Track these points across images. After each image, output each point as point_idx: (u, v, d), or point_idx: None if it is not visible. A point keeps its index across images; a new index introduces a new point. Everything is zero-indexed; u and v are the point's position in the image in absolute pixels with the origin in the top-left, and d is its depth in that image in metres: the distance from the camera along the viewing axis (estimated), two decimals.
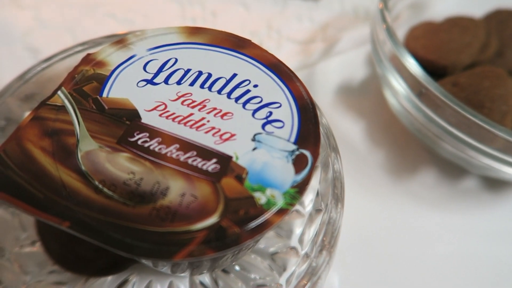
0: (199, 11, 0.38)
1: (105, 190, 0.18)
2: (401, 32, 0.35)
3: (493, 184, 0.32)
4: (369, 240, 0.29)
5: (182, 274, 0.27)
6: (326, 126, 0.24)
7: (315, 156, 0.19)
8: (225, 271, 0.27)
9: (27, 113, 0.25)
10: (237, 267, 0.27)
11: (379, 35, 0.30)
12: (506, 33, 0.32)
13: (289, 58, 0.36)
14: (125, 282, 0.27)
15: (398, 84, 0.29)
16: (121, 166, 0.18)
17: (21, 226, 0.26)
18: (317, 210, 0.24)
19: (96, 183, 0.18)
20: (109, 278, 0.26)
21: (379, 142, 0.33)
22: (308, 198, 0.25)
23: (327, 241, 0.21)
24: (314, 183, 0.24)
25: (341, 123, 0.33)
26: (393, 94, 0.30)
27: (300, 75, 0.32)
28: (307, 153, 0.19)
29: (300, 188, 0.18)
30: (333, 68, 0.36)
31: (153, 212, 0.17)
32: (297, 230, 0.26)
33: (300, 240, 0.25)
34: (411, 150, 0.33)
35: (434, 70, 0.31)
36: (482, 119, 0.25)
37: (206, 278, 0.27)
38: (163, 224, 0.17)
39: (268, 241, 0.26)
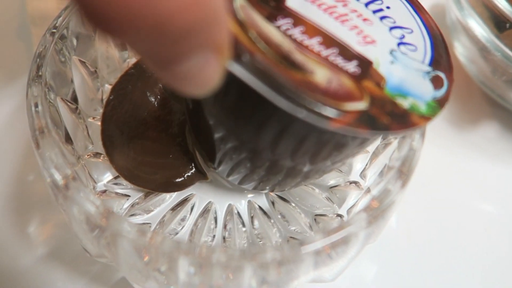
0: None
1: (261, 43, 0.18)
2: None
3: None
4: (428, 186, 0.30)
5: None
6: None
7: (450, 80, 0.20)
8: (283, 199, 0.28)
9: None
10: (296, 197, 0.28)
11: None
12: None
13: None
14: (184, 200, 0.27)
15: (478, 26, 0.29)
16: (273, 32, 0.18)
17: (88, 138, 0.26)
18: (385, 144, 0.25)
19: (252, 34, 0.18)
20: (169, 195, 0.27)
21: None
22: None
23: (405, 169, 0.21)
24: None
25: None
26: (467, 40, 0.31)
27: None
28: (442, 75, 0.20)
29: (441, 102, 0.19)
30: None
31: (305, 81, 0.17)
32: (358, 166, 0.27)
33: (363, 175, 0.26)
34: (474, 103, 0.34)
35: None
36: None
37: (265, 203, 0.28)
38: (316, 93, 0.17)
39: (327, 175, 0.27)
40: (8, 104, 0.31)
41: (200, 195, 0.28)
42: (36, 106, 0.21)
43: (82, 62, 0.25)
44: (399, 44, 0.21)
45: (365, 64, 0.19)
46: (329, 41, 0.19)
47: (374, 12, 0.21)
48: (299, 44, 0.19)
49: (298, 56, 0.18)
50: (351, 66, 0.19)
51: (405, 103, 0.19)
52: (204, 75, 0.14)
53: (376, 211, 0.20)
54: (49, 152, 0.20)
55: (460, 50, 0.33)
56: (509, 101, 0.32)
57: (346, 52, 0.19)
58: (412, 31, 0.21)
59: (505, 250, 0.29)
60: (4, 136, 0.30)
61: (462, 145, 0.32)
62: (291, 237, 0.26)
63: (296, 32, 0.19)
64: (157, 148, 0.27)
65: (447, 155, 0.32)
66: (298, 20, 0.19)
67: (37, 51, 0.23)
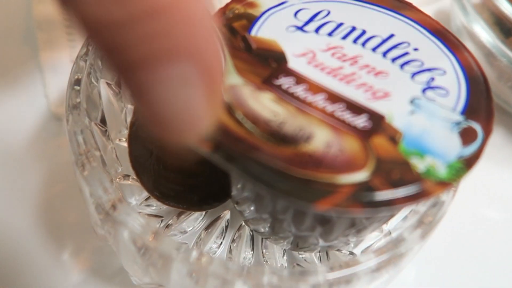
0: None
1: (247, 123, 0.17)
2: None
3: None
4: None
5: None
6: None
7: (488, 131, 0.18)
8: None
9: None
10: None
11: None
12: None
13: None
14: (217, 218, 0.27)
15: (483, 31, 0.29)
16: (264, 105, 0.18)
17: (117, 160, 0.26)
18: None
19: (239, 116, 0.17)
20: (201, 214, 0.27)
21: None
22: None
23: (427, 219, 0.19)
24: None
25: None
26: (473, 46, 0.31)
27: None
28: (476, 126, 0.18)
29: (469, 162, 0.17)
30: None
31: (295, 155, 0.17)
32: None
33: None
34: None
35: None
36: None
37: None
38: (305, 169, 0.16)
39: None
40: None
41: (234, 213, 0.27)
42: (77, 133, 0.21)
43: (108, 84, 0.26)
44: (425, 89, 0.19)
45: (376, 118, 0.18)
46: (334, 97, 0.18)
47: (394, 59, 0.20)
48: (302, 101, 0.18)
49: (291, 127, 0.17)
50: (361, 121, 0.18)
51: (420, 165, 0.17)
52: (189, 107, 0.11)
53: (387, 257, 0.18)
54: (96, 175, 0.20)
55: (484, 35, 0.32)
56: None
57: (354, 107, 0.18)
58: (444, 72, 0.19)
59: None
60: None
61: None
62: (297, 264, 0.25)
63: (299, 90, 0.18)
64: (187, 167, 0.27)
65: None
66: (300, 79, 0.19)
67: (72, 78, 0.23)
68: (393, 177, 0.16)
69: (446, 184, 0.16)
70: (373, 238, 0.24)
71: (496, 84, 0.30)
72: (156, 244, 0.18)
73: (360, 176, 0.16)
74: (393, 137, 0.17)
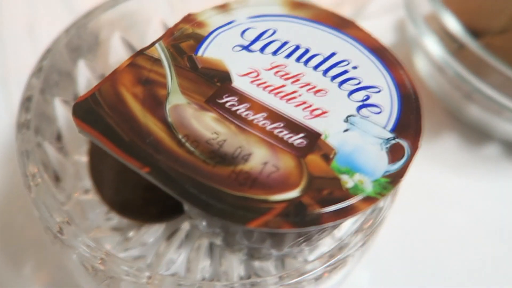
0: None
1: (188, 144, 0.18)
2: None
3: None
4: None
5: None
6: None
7: (414, 148, 0.18)
8: None
9: (79, 63, 0.26)
10: None
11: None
12: None
13: None
14: (177, 230, 0.27)
15: (433, 44, 0.30)
16: (206, 124, 0.18)
17: (77, 175, 0.27)
18: None
19: (180, 136, 0.18)
20: (162, 226, 0.27)
21: None
22: None
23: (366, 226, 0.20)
24: None
25: None
26: (425, 56, 0.31)
27: None
28: (404, 143, 0.18)
29: (394, 179, 0.18)
30: None
31: (232, 175, 0.17)
32: None
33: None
34: (435, 115, 0.34)
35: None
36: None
37: None
38: (241, 189, 0.17)
39: None
40: None
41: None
42: (27, 152, 0.21)
43: (65, 101, 0.26)
44: (360, 107, 0.19)
45: (312, 136, 0.18)
46: (275, 116, 0.19)
47: (333, 78, 0.20)
48: (244, 120, 0.18)
49: (230, 146, 0.18)
50: (298, 139, 0.18)
51: (350, 182, 0.17)
52: None
53: (333, 265, 0.19)
54: (42, 197, 0.20)
55: (420, 65, 0.33)
56: (466, 115, 0.32)
57: (292, 126, 0.19)
58: (379, 90, 0.20)
59: (477, 258, 0.29)
60: None
61: (423, 156, 0.32)
62: (255, 273, 0.26)
63: (241, 109, 0.19)
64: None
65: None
66: (243, 98, 0.19)
67: (24, 96, 0.23)
68: (323, 194, 0.17)
69: (372, 199, 0.17)
70: (326, 244, 0.25)
71: (448, 93, 0.31)
72: (105, 267, 0.18)
73: (292, 194, 0.17)
74: (327, 154, 0.18)
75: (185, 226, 0.27)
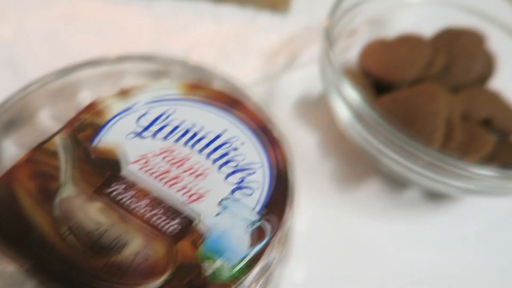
0: (171, 24, 0.40)
1: (70, 237, 0.18)
2: (359, 45, 0.36)
3: (433, 195, 0.33)
4: (316, 245, 0.29)
5: None
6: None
7: (275, 230, 0.19)
8: None
9: (7, 142, 0.26)
10: None
11: (324, 56, 0.31)
12: (454, 50, 0.34)
13: (253, 71, 0.38)
14: None
15: (339, 106, 0.30)
16: (91, 216, 0.19)
17: None
18: None
19: (63, 230, 0.18)
20: None
21: (330, 154, 0.34)
22: None
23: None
24: None
25: (297, 134, 0.35)
26: (344, 101, 0.31)
27: (262, 88, 0.36)
28: (268, 226, 0.19)
29: (250, 263, 0.18)
30: (293, 82, 0.38)
31: (106, 266, 0.17)
32: None
33: None
34: (358, 163, 0.34)
35: (384, 86, 0.33)
36: (405, 139, 0.26)
37: None
38: (111, 280, 0.17)
39: None
40: None
41: None
42: None
43: None
44: (234, 189, 0.20)
45: (186, 222, 0.19)
46: (156, 203, 0.19)
47: (215, 161, 0.21)
48: (126, 209, 0.19)
49: (109, 237, 0.18)
50: (172, 226, 0.19)
51: (209, 270, 0.18)
52: None
53: None
54: None
55: (339, 109, 0.33)
56: (383, 165, 0.32)
57: (170, 212, 0.19)
58: (254, 172, 0.20)
59: None
60: None
61: (347, 203, 0.33)
62: None
63: (127, 196, 0.19)
64: None
65: (332, 213, 0.32)
66: (130, 185, 0.20)
67: None
68: (184, 283, 0.17)
69: (226, 285, 0.17)
70: None
71: (367, 138, 0.30)
72: None
73: (156, 283, 0.17)
74: (196, 240, 0.18)
75: None
